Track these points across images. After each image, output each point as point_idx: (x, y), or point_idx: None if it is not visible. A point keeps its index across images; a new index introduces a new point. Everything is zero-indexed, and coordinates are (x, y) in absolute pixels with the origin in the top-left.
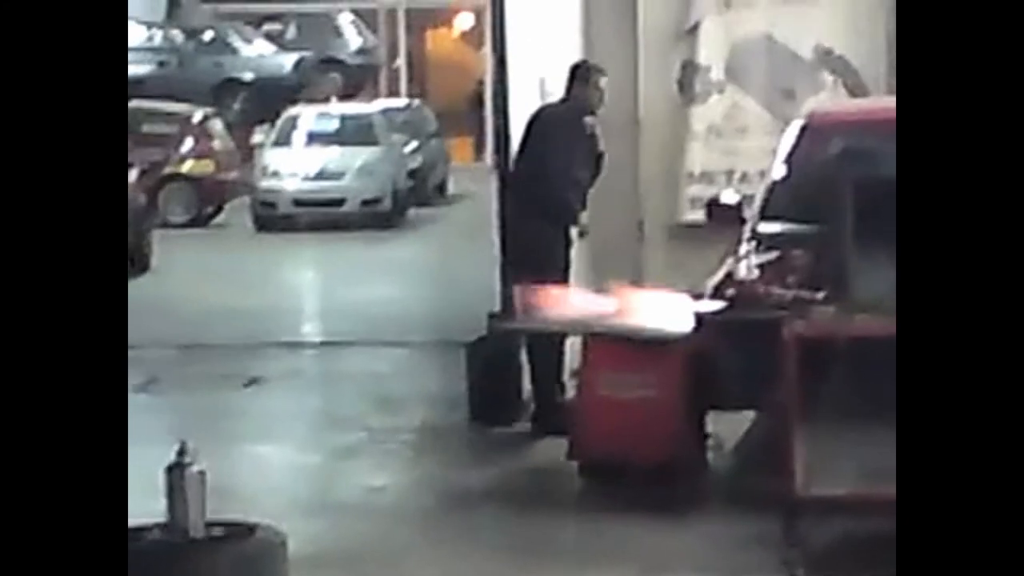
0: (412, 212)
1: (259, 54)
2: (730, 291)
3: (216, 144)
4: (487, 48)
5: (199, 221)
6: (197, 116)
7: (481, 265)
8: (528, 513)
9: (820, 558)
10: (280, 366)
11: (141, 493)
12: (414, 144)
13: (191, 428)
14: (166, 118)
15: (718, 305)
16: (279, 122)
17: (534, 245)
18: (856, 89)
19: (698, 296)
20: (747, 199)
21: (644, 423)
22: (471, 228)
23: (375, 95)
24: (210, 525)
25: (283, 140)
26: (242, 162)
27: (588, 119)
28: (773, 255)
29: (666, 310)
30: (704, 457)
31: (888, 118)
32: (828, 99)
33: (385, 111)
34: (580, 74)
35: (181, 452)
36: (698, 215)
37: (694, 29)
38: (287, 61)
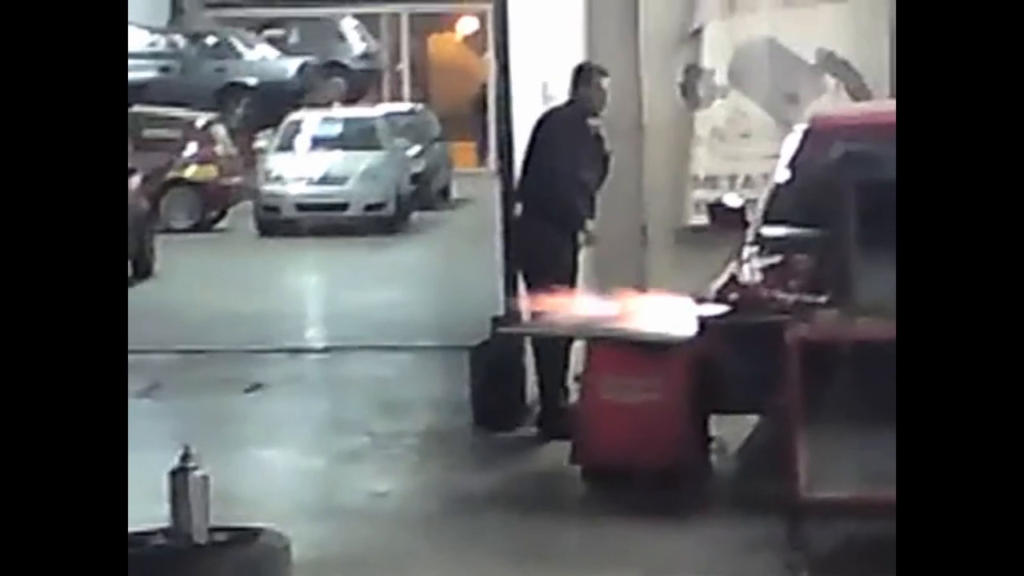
0: (415, 216)
1: (262, 59)
2: (733, 295)
3: (219, 149)
4: (490, 53)
5: (202, 226)
6: (200, 121)
7: (485, 270)
8: (532, 517)
9: (824, 561)
10: (283, 371)
11: (144, 498)
12: (417, 148)
13: (194, 433)
14: (169, 123)
15: (721, 309)
16: (282, 127)
17: (541, 250)
18: (859, 93)
19: (701, 300)
20: (750, 203)
21: (648, 427)
22: (475, 232)
23: (378, 100)
24: (213, 530)
25: (286, 145)
26: (245, 167)
27: (593, 120)
28: (776, 259)
29: (669, 314)
30: (708, 461)
31: (891, 122)
32: (831, 103)
33: (388, 116)
34: (583, 76)
35: (184, 457)
36: (702, 219)
37: (697, 33)
38: (290, 66)
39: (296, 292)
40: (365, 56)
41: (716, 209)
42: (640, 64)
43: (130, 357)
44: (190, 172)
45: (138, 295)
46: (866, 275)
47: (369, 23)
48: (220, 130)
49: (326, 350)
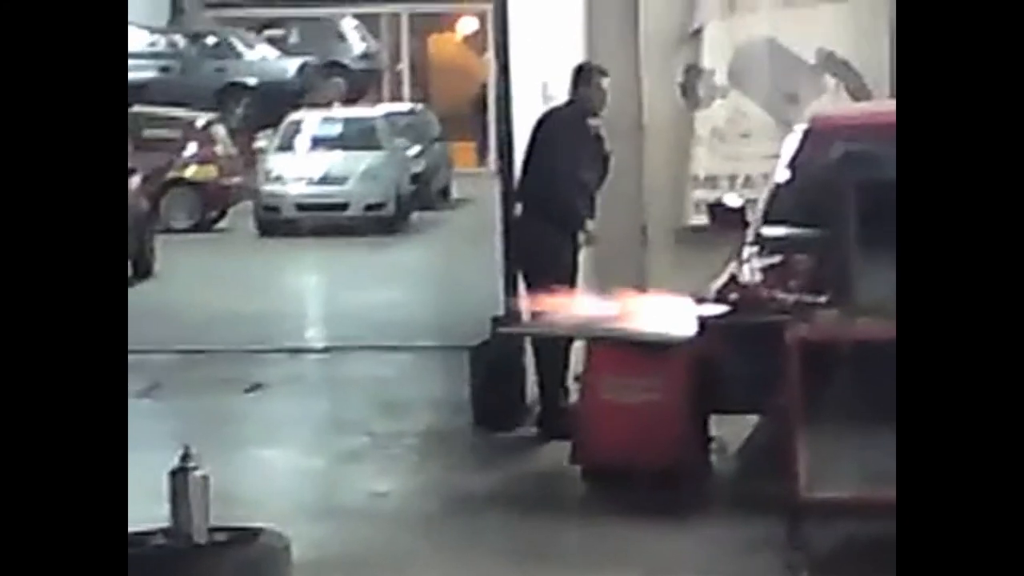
0: (415, 216)
1: (262, 59)
2: (733, 295)
3: (219, 149)
4: (490, 53)
5: (202, 226)
6: (200, 121)
7: (485, 270)
8: (532, 517)
9: (824, 561)
10: (283, 371)
11: (145, 498)
12: (417, 148)
13: (194, 433)
14: (169, 123)
15: (721, 309)
16: (282, 127)
17: (541, 250)
18: (859, 93)
19: (701, 300)
20: (750, 203)
21: (648, 427)
22: (475, 232)
23: (378, 100)
24: (213, 530)
25: (286, 145)
26: (245, 167)
27: (593, 120)
28: (776, 259)
29: (669, 314)
30: (707, 461)
31: (891, 122)
32: (831, 103)
33: (388, 115)
34: (583, 76)
35: (184, 457)
36: (702, 219)
37: (697, 33)
38: (290, 66)
39: (296, 292)
40: (365, 56)
41: (716, 209)
42: (640, 64)
43: (130, 357)
44: (190, 172)
45: (138, 295)
46: (866, 275)
47: (369, 23)
48: (220, 130)
49: (326, 350)
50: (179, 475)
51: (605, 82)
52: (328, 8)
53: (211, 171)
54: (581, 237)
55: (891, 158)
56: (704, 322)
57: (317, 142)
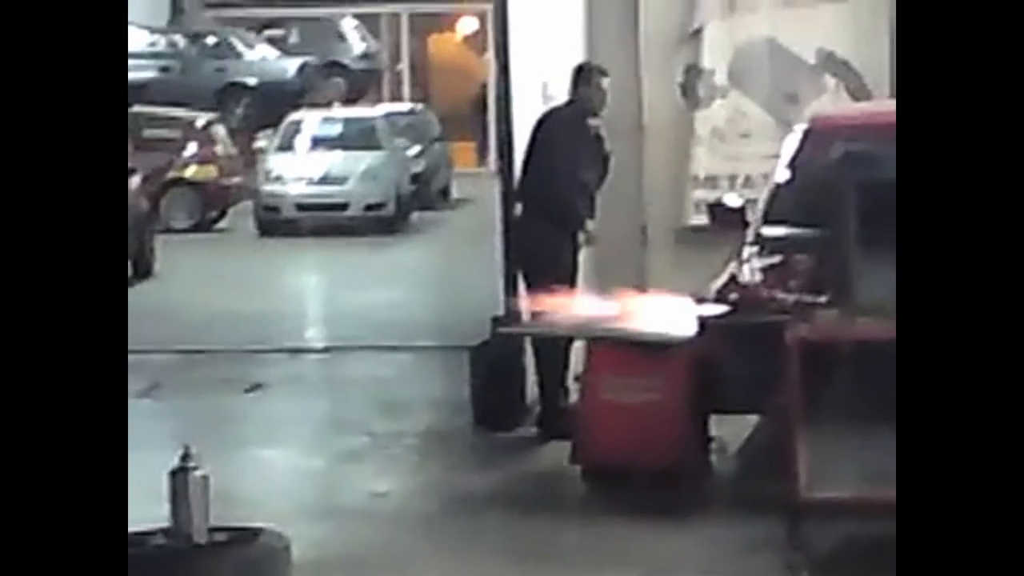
0: (415, 216)
1: (262, 59)
2: (733, 295)
3: (219, 149)
4: (490, 53)
5: (202, 226)
6: (200, 121)
7: (485, 270)
8: (532, 517)
9: (824, 561)
10: (283, 371)
11: (145, 498)
12: (417, 148)
13: (194, 433)
14: (169, 123)
15: (721, 309)
16: (282, 127)
17: (541, 250)
18: (859, 93)
19: (701, 300)
20: (750, 203)
21: (647, 427)
22: (475, 233)
23: (378, 100)
24: (213, 530)
25: (286, 145)
26: (245, 167)
27: (593, 120)
28: (776, 259)
29: (669, 314)
30: (707, 461)
31: (891, 122)
32: (831, 103)
33: (388, 115)
34: (583, 76)
35: (184, 457)
36: (702, 219)
37: (697, 33)
38: (290, 66)
39: (296, 292)
40: (365, 56)
41: (716, 209)
42: (640, 64)
43: (130, 357)
44: (190, 172)
45: (138, 295)
46: (866, 275)
47: (369, 23)
48: (220, 130)
49: (326, 350)
50: (179, 475)
51: (605, 82)
52: (328, 8)
53: (211, 171)
54: (581, 237)
55: (891, 158)
56: (704, 322)
57: (317, 142)
